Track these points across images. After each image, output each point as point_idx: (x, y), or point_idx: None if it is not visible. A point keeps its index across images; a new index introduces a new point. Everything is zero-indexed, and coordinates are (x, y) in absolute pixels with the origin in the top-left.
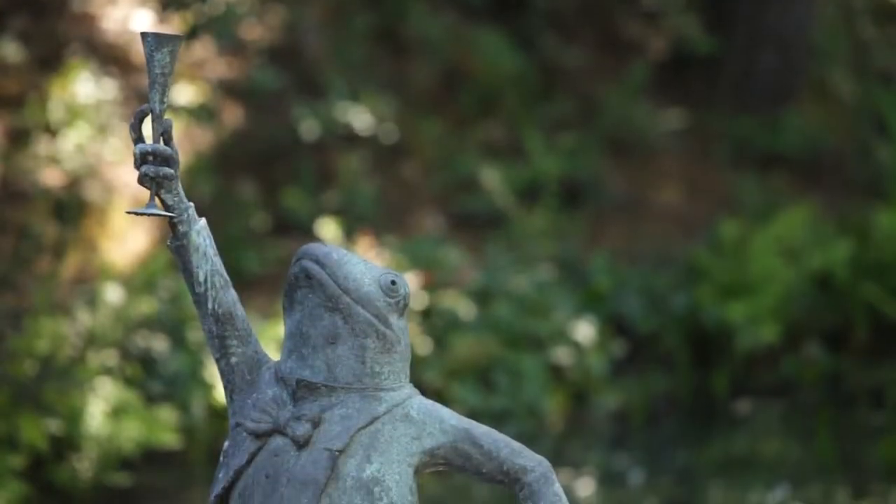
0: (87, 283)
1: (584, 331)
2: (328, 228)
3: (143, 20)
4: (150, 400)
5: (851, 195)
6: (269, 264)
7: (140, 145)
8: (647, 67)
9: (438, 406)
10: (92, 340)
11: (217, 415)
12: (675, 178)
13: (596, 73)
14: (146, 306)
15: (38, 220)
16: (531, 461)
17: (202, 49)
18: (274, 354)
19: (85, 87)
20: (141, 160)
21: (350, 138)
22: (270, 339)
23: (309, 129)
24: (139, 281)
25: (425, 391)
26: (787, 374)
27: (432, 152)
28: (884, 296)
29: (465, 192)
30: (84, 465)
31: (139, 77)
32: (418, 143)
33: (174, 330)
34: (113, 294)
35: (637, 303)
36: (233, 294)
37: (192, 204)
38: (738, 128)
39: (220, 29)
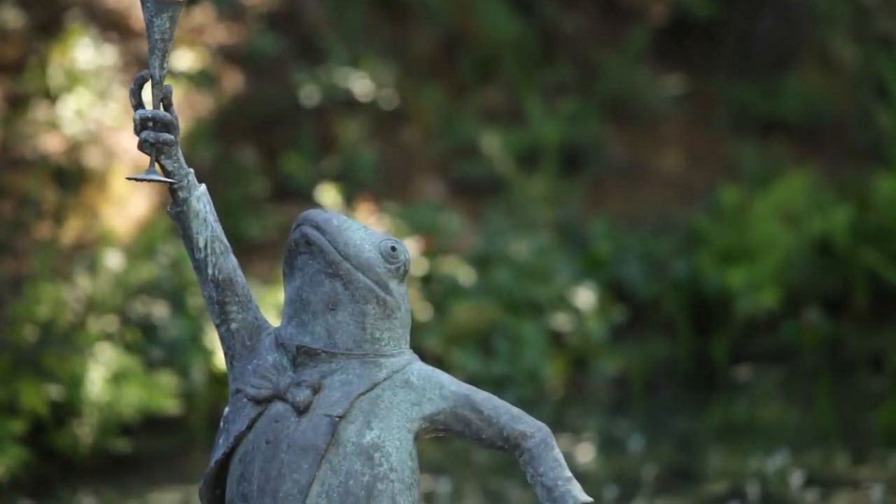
0: (88, 249)
1: (584, 296)
2: (328, 194)
3: None
4: (151, 366)
5: (852, 161)
6: (269, 230)
7: (140, 111)
8: (646, 33)
9: (438, 372)
10: (92, 306)
11: (217, 381)
12: (674, 144)
13: (596, 39)
14: (146, 272)
15: (38, 186)
16: (531, 427)
17: (202, 14)
18: (274, 321)
19: (85, 52)
20: (141, 126)
21: (350, 104)
22: (271, 305)
23: (309, 94)
24: (139, 247)
25: (425, 357)
26: (786, 340)
27: (432, 118)
28: (884, 261)
29: (465, 158)
30: (84, 431)
31: (139, 43)
32: (418, 109)
33: (174, 296)
34: (113, 260)
35: (637, 268)
36: (233, 260)
37: (191, 170)
38: (738, 93)
39: None
